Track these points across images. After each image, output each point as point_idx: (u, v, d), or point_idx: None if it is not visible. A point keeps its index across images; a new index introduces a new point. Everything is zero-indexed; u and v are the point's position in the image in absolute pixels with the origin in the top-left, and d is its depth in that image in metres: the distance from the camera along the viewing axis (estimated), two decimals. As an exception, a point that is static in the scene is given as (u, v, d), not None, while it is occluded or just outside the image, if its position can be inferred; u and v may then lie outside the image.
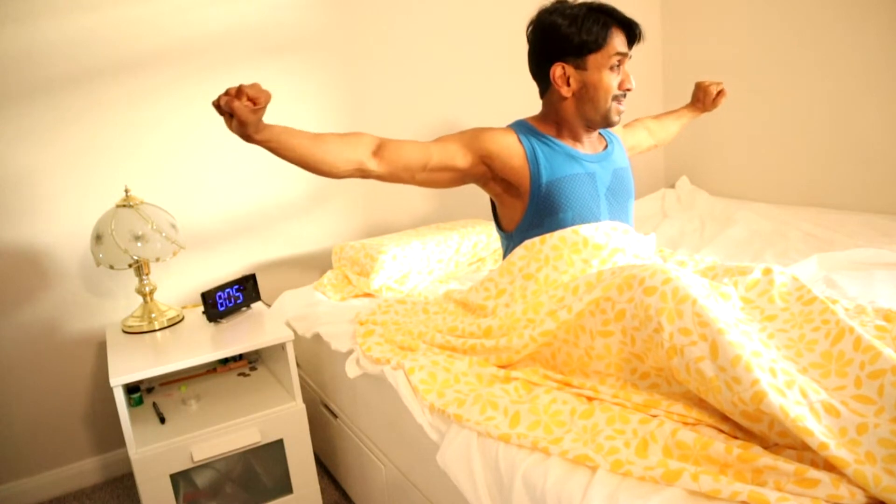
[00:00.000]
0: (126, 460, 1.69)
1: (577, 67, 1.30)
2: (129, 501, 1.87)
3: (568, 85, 1.31)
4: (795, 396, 0.84)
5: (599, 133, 1.46)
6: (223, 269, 2.05)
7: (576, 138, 1.38)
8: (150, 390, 1.76)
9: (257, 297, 1.83)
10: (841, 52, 2.13)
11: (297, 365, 1.65)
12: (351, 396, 1.61)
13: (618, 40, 1.28)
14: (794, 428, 0.80)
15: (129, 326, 1.71)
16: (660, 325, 0.96)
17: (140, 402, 1.68)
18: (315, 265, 2.21)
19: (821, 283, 1.51)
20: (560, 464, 0.92)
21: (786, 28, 2.27)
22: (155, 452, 1.45)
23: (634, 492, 0.83)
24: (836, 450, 0.77)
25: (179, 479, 1.54)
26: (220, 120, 2.03)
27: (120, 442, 1.96)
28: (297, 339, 1.66)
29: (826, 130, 2.22)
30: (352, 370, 1.42)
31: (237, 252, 2.07)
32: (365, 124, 2.19)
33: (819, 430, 0.80)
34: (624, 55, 1.29)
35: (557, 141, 1.36)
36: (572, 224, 1.33)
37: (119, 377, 1.40)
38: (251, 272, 1.87)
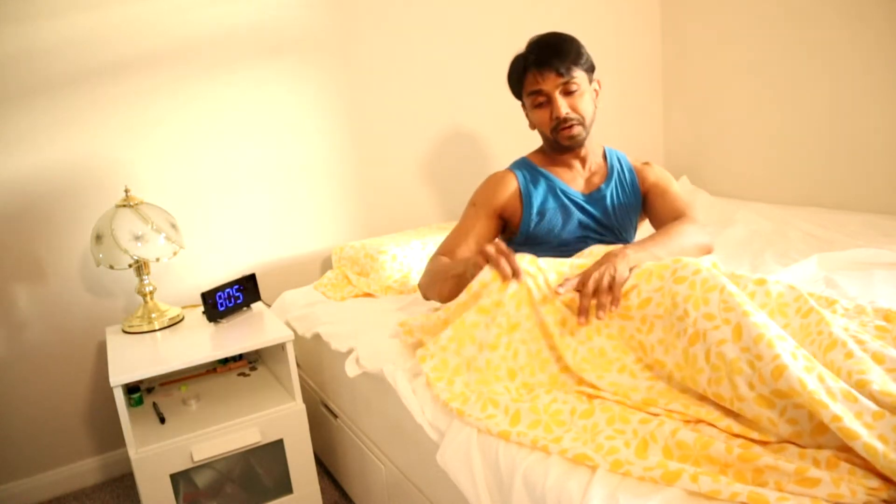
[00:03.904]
0: (126, 460, 1.69)
1: (523, 107, 1.50)
2: (129, 501, 1.87)
3: (529, 119, 1.51)
4: (814, 380, 0.85)
5: (607, 164, 1.53)
6: (223, 269, 2.05)
7: (565, 165, 1.50)
8: (150, 390, 1.76)
9: (257, 297, 1.83)
10: (841, 53, 2.13)
11: (297, 365, 1.65)
12: (351, 396, 1.61)
13: (530, 80, 1.41)
14: (810, 400, 0.80)
15: (130, 326, 1.71)
16: (685, 312, 0.98)
17: (140, 402, 1.68)
18: (315, 265, 2.21)
19: (821, 283, 1.51)
20: (560, 463, 0.92)
21: (786, 28, 2.27)
22: (155, 452, 1.45)
23: (634, 491, 0.83)
24: (850, 423, 0.77)
25: (179, 479, 1.54)
26: (220, 120, 2.03)
27: (120, 442, 1.96)
28: (297, 339, 1.66)
29: (826, 130, 2.22)
30: (351, 370, 1.42)
31: (237, 252, 2.07)
32: (365, 125, 2.19)
33: (834, 405, 0.80)
34: (538, 93, 1.41)
35: (550, 175, 1.49)
36: (556, 251, 1.44)
37: (119, 377, 1.40)
38: (251, 272, 1.87)
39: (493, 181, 1.53)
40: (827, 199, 2.26)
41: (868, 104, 2.09)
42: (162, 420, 1.57)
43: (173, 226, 1.71)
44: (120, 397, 1.41)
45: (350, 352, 1.48)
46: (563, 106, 1.39)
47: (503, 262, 1.16)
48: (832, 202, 2.24)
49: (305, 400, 1.63)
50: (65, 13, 1.72)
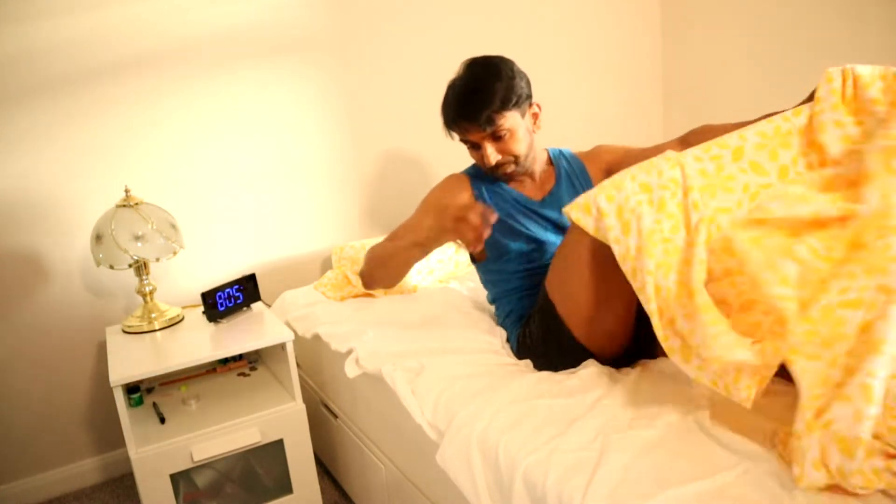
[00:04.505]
0: (126, 460, 1.69)
1: None
2: (129, 501, 1.87)
3: None
4: None
5: (554, 167, 1.51)
6: (223, 269, 2.05)
7: (514, 180, 1.48)
8: (150, 390, 1.76)
9: (257, 297, 1.83)
10: (841, 52, 2.12)
11: (297, 365, 1.64)
12: (351, 396, 1.61)
13: (457, 130, 1.39)
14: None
15: (129, 326, 1.71)
16: None
17: (140, 402, 1.68)
18: (315, 265, 2.21)
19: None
20: (560, 463, 0.92)
21: (786, 28, 2.27)
22: (155, 452, 1.45)
23: (635, 491, 0.83)
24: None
25: (179, 479, 1.54)
26: (220, 120, 2.03)
27: (120, 442, 1.96)
28: (297, 339, 1.66)
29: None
30: (351, 370, 1.43)
31: (237, 252, 2.07)
32: (365, 125, 2.19)
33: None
34: (466, 141, 1.39)
35: (503, 184, 1.48)
36: (524, 257, 1.44)
37: (119, 377, 1.40)
38: (251, 272, 1.87)
39: (446, 190, 1.52)
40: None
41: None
42: (162, 420, 1.57)
43: (173, 226, 1.71)
44: (120, 397, 1.41)
45: (350, 352, 1.48)
46: (492, 155, 1.37)
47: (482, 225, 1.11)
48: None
49: (305, 400, 1.63)
50: (65, 13, 1.72)
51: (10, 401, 1.84)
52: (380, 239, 2.03)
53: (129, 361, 1.49)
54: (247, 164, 2.04)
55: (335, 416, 1.75)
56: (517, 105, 1.35)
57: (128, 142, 1.86)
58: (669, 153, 1.09)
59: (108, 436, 1.98)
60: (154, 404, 1.65)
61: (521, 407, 1.10)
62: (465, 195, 1.50)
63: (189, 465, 1.48)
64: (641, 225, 1.03)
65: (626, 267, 1.04)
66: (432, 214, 1.47)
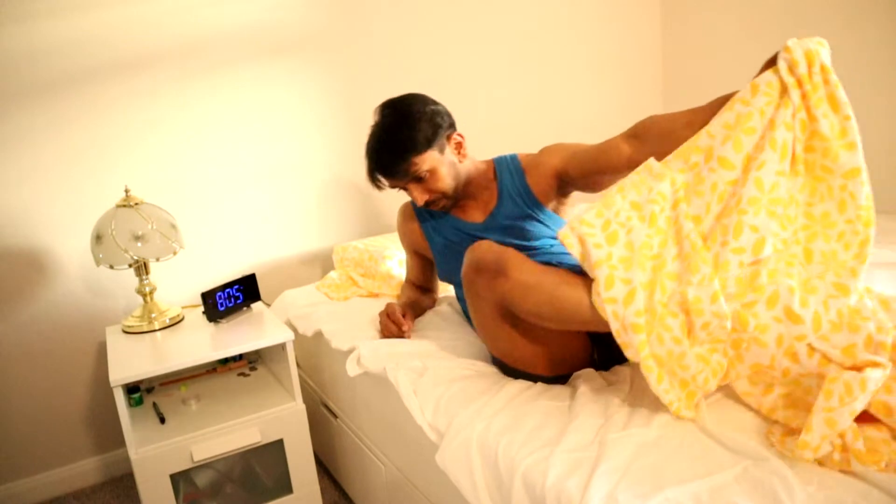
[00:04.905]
0: (126, 460, 1.69)
1: None
2: (129, 501, 1.87)
3: None
4: None
5: (497, 180, 1.47)
6: (223, 269, 2.05)
7: (456, 206, 1.49)
8: (150, 390, 1.76)
9: (257, 297, 1.83)
10: (840, 52, 2.12)
11: (297, 365, 1.65)
12: (351, 396, 1.61)
13: (380, 182, 1.42)
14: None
15: (129, 326, 1.71)
16: None
17: (140, 402, 1.68)
18: (315, 265, 2.21)
19: (821, 282, 1.51)
20: (560, 463, 0.92)
21: (786, 28, 2.27)
22: (155, 452, 1.45)
23: (634, 491, 0.83)
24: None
25: (179, 479, 1.54)
26: (220, 119, 2.03)
27: (120, 442, 1.96)
28: (297, 339, 1.66)
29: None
30: (352, 369, 1.42)
31: (237, 252, 2.07)
32: (365, 125, 2.17)
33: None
34: (393, 186, 1.41)
35: (447, 213, 1.50)
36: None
37: (119, 377, 1.40)
38: (251, 272, 1.87)
39: (400, 219, 1.62)
40: (827, 199, 2.25)
41: (868, 104, 2.09)
42: (162, 420, 1.57)
43: (173, 226, 1.71)
44: (120, 397, 1.41)
45: (351, 350, 1.48)
46: (419, 196, 1.39)
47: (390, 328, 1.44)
48: (832, 202, 2.24)
49: (305, 400, 1.63)
50: (65, 13, 1.72)
51: (10, 401, 1.84)
52: (381, 239, 2.04)
53: (129, 361, 1.49)
54: (247, 163, 2.04)
55: (335, 416, 1.75)
56: (431, 145, 1.34)
57: (128, 142, 1.86)
58: (654, 165, 1.09)
59: (108, 436, 1.99)
60: (154, 404, 1.65)
61: (520, 408, 1.10)
62: (413, 224, 1.58)
63: (189, 465, 1.48)
64: (633, 238, 1.04)
65: (599, 272, 1.03)
66: (403, 245, 1.67)
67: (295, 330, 1.75)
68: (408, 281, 1.72)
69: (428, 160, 1.34)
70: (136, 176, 1.87)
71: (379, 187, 1.42)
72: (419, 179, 1.36)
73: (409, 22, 2.22)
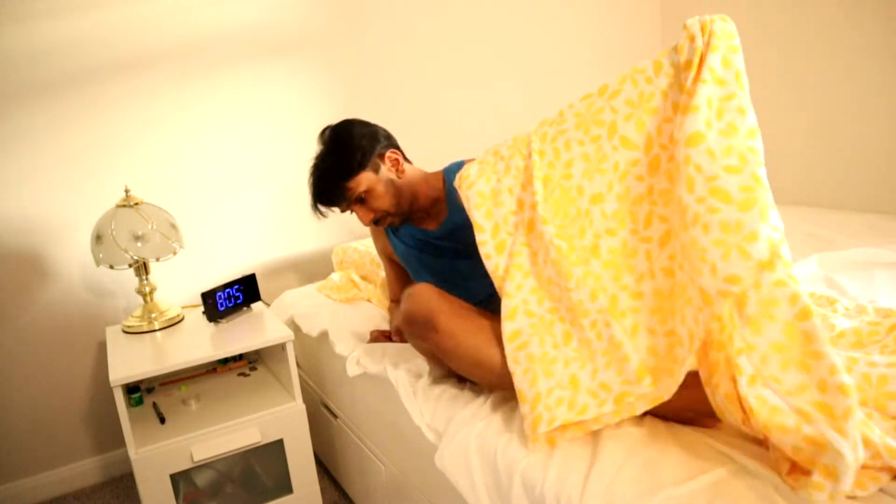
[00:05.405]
0: (126, 460, 1.69)
1: None
2: (129, 501, 1.87)
3: None
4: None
5: (447, 197, 1.48)
6: (223, 269, 2.05)
7: (413, 221, 1.52)
8: (150, 390, 1.76)
9: (257, 297, 1.83)
10: (841, 52, 2.12)
11: (297, 365, 1.65)
12: (351, 396, 1.61)
13: (323, 211, 1.44)
14: None
15: (129, 326, 1.71)
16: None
17: (140, 402, 1.68)
18: (315, 265, 2.21)
19: (821, 282, 1.51)
20: (559, 463, 0.92)
21: (786, 28, 2.27)
22: (155, 452, 1.45)
23: (633, 491, 0.83)
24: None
25: (179, 479, 1.54)
26: (220, 119, 2.03)
27: (120, 442, 1.96)
28: (298, 339, 1.66)
29: (826, 130, 2.22)
30: (352, 369, 1.42)
31: (237, 252, 2.07)
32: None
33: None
34: (341, 211, 1.44)
35: (406, 224, 1.53)
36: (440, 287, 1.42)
37: (119, 377, 1.40)
38: (251, 272, 1.87)
39: (371, 231, 1.64)
40: (827, 199, 2.26)
41: (868, 104, 2.09)
42: (162, 420, 1.57)
43: (173, 226, 1.71)
44: (120, 397, 1.41)
45: (351, 350, 1.48)
46: (364, 217, 1.42)
47: None
48: (832, 202, 2.24)
49: (305, 400, 1.63)
50: (65, 13, 1.72)
51: (10, 401, 1.84)
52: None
53: (129, 361, 1.49)
54: (247, 163, 2.04)
55: (335, 416, 1.75)
56: (363, 167, 1.37)
57: (128, 142, 1.86)
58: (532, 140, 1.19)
59: (108, 436, 1.99)
60: (154, 404, 1.65)
61: (519, 409, 1.09)
62: (382, 236, 1.61)
63: (189, 465, 1.48)
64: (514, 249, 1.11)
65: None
66: (378, 253, 1.70)
67: (298, 329, 1.75)
68: (393, 302, 1.68)
69: (363, 182, 1.37)
70: (136, 176, 1.87)
71: (321, 216, 1.45)
72: (361, 201, 1.40)
73: (409, 22, 2.22)
